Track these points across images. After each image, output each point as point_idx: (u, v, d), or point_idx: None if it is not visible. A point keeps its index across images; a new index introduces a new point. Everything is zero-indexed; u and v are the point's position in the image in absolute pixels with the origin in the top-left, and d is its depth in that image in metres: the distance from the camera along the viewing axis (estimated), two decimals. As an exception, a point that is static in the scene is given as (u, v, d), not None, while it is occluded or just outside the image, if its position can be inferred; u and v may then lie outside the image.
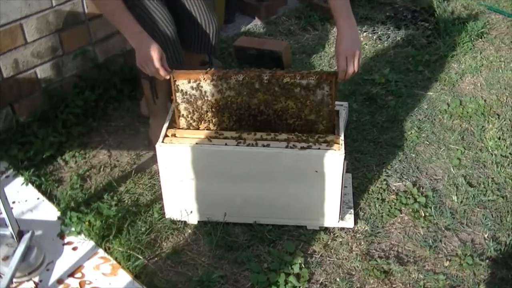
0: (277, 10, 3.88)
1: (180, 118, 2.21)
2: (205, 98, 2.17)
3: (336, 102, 2.16)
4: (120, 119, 2.88)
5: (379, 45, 3.51)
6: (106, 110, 2.91)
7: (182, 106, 2.19)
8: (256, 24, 3.75)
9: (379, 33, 3.63)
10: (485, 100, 2.98)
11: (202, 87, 2.15)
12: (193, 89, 2.16)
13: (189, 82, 2.14)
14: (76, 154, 2.63)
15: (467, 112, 2.89)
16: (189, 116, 2.20)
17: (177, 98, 2.17)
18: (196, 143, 2.10)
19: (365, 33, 3.64)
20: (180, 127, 2.21)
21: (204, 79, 2.13)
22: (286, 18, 3.81)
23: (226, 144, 2.09)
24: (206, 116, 2.20)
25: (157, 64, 2.06)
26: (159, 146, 2.10)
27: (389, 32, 3.63)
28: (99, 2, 2.14)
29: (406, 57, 3.37)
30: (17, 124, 2.68)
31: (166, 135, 2.16)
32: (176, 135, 2.16)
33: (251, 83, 2.12)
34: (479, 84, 3.13)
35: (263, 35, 3.62)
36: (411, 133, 2.76)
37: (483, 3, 3.93)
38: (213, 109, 2.18)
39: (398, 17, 3.83)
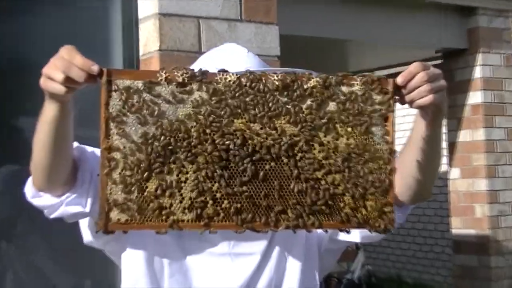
0: None
1: (112, 164, 1.17)
2: (163, 120, 1.20)
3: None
4: None
5: None
6: None
7: (116, 138, 1.18)
8: None
9: None
10: None
11: (157, 97, 1.20)
12: (139, 99, 1.19)
13: (133, 83, 1.19)
14: None
15: None
16: (128, 158, 1.18)
17: (110, 114, 1.18)
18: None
19: None
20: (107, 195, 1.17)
21: (163, 80, 1.19)
22: None
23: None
24: (159, 160, 1.19)
25: (75, 52, 1.16)
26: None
27: None
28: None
29: None
30: None
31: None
32: None
33: (254, 88, 1.22)
34: None
35: None
36: None
37: None
38: (176, 145, 1.20)
39: None
